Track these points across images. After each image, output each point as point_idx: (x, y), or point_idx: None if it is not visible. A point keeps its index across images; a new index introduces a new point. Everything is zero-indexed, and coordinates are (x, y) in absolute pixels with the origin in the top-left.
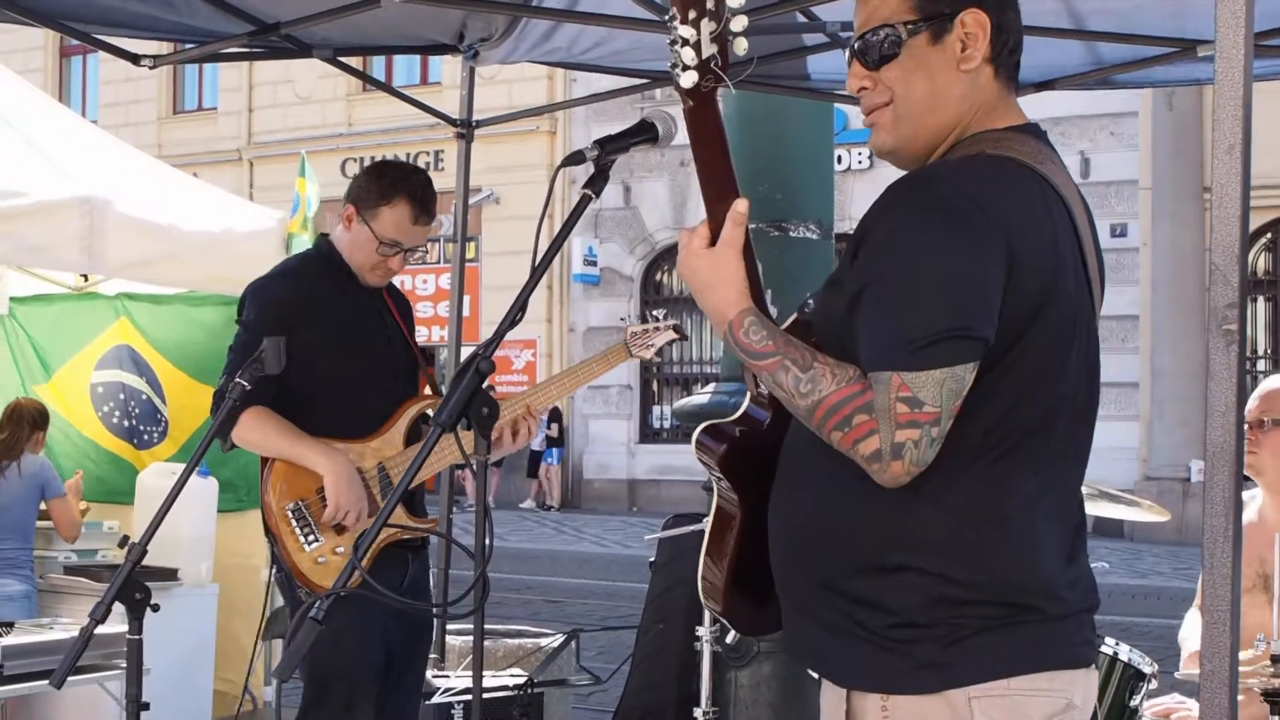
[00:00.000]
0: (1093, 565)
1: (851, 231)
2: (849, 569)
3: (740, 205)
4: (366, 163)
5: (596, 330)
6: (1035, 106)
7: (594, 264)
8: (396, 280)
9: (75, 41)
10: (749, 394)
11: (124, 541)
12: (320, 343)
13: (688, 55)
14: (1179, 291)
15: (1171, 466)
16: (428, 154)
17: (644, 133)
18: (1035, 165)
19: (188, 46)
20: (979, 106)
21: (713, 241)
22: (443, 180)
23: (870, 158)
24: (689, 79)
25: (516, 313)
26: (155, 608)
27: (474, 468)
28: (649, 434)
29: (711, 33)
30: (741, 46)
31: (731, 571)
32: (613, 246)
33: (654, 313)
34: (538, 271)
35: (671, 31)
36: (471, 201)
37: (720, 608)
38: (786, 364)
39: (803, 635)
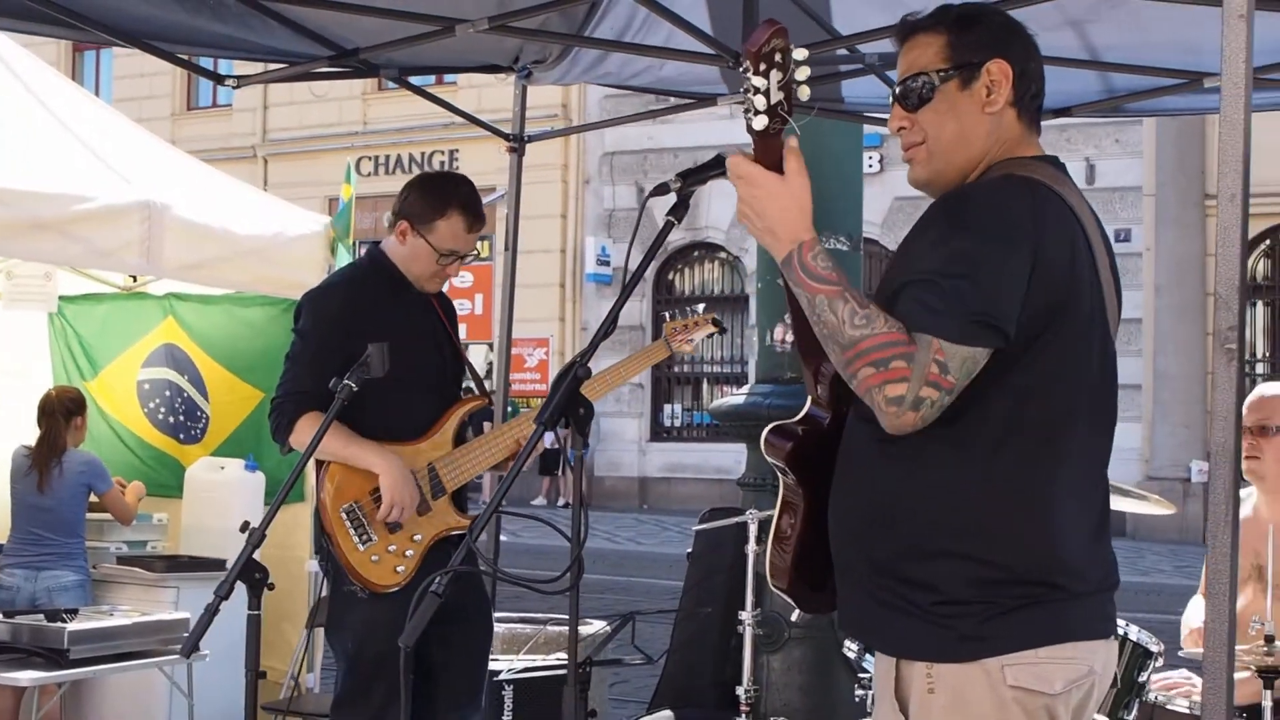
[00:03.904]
0: None
1: (866, 234)
2: (900, 552)
3: (793, 141)
4: (381, 161)
5: None
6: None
7: (607, 264)
8: None
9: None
10: (809, 398)
11: (244, 526)
12: None
13: (759, 102)
14: (1181, 296)
15: (1173, 466)
16: (443, 153)
17: (718, 166)
18: (1056, 188)
19: (275, 67)
20: (1003, 143)
21: None
22: None
23: (880, 161)
24: (760, 122)
25: (609, 325)
26: (271, 586)
27: (572, 465)
28: (660, 432)
29: (779, 81)
30: (804, 93)
31: (795, 555)
32: (626, 246)
33: (692, 307)
34: (627, 288)
35: (745, 81)
36: (487, 200)
37: (785, 586)
38: (847, 295)
39: (858, 612)
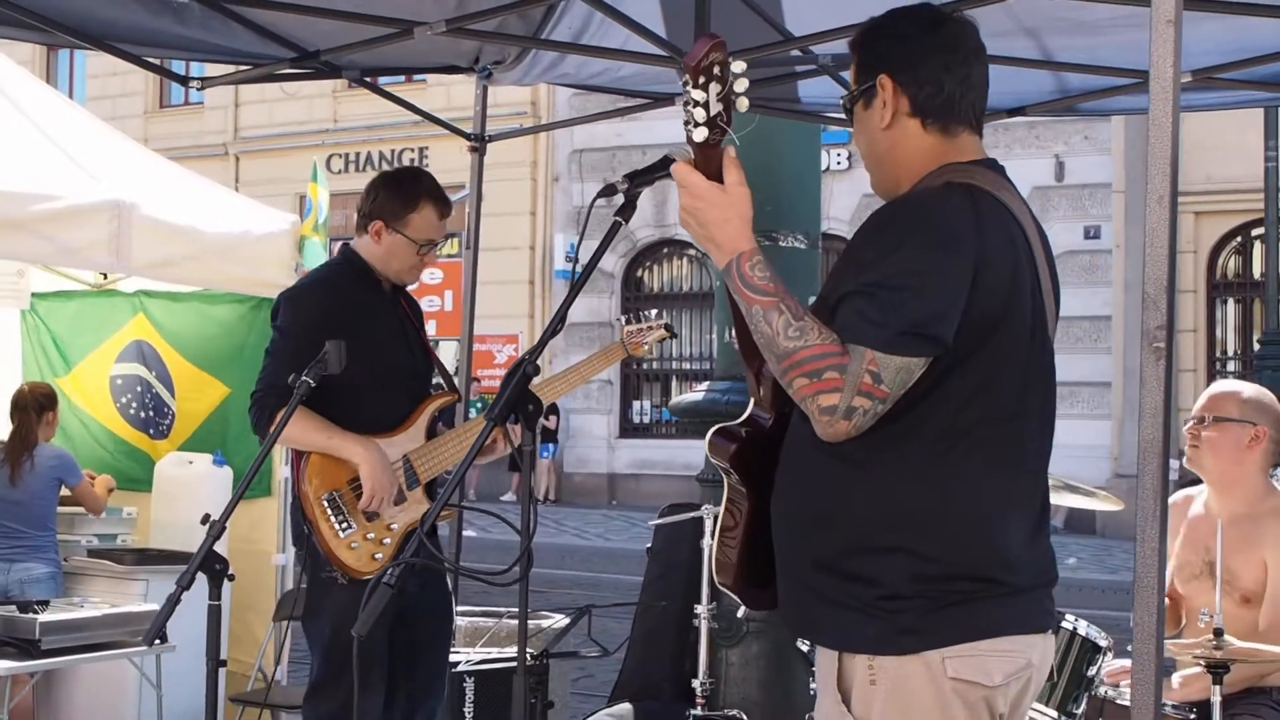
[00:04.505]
0: (1064, 561)
1: (834, 231)
2: (843, 549)
3: (731, 151)
4: (351, 159)
5: (578, 326)
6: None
7: (575, 260)
8: None
9: None
10: (753, 399)
11: (205, 518)
12: (351, 346)
13: (699, 114)
14: None
15: None
16: (413, 150)
17: (665, 167)
18: (996, 193)
19: (240, 69)
20: (919, 154)
21: None
22: None
23: (848, 159)
24: (700, 134)
25: (557, 324)
26: (232, 577)
27: (520, 457)
28: (629, 428)
29: (718, 94)
30: (743, 105)
31: (741, 553)
32: (594, 244)
33: (645, 311)
34: (576, 287)
35: (685, 94)
36: (455, 198)
37: (729, 583)
38: (782, 307)
39: (800, 608)
